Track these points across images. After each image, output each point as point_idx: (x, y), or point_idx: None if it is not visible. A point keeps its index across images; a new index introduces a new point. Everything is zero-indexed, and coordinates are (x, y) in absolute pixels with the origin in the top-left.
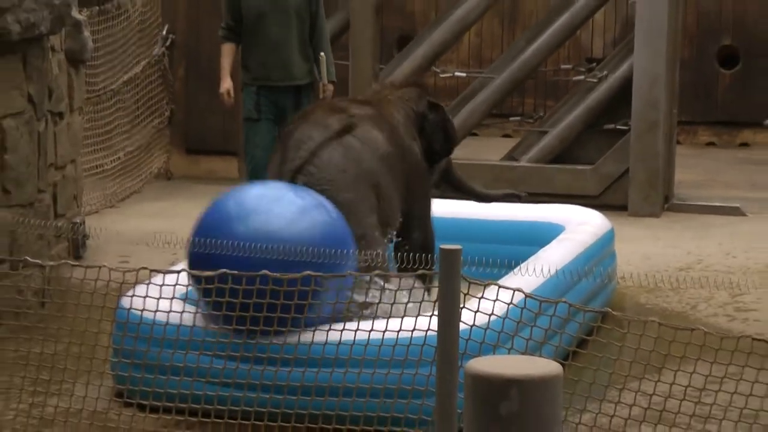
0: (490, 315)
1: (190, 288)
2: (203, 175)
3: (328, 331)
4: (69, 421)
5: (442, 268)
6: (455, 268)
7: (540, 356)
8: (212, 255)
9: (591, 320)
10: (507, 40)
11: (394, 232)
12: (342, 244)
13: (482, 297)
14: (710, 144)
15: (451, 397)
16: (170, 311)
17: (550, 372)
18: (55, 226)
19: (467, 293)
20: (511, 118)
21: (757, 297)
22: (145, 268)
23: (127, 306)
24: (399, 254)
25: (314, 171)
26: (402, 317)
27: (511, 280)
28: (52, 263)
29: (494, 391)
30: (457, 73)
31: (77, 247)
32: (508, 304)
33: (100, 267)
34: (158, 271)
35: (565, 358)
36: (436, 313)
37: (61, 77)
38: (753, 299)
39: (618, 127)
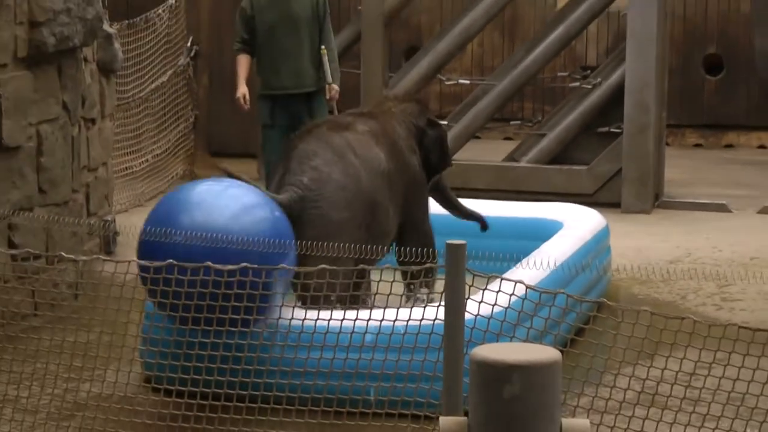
0: (493, 305)
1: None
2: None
3: (342, 319)
4: (100, 405)
5: (448, 262)
6: (461, 262)
7: (540, 344)
8: (161, 245)
9: (588, 310)
10: (507, 50)
11: (392, 243)
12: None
13: (486, 289)
14: (697, 145)
15: (457, 382)
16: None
17: (549, 358)
18: (87, 224)
19: (472, 285)
20: (512, 122)
21: (743, 288)
22: (171, 262)
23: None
24: (399, 257)
25: (314, 187)
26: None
27: (516, 273)
28: (84, 258)
29: (497, 375)
30: (461, 81)
31: (108, 243)
32: (510, 296)
33: (129, 261)
34: (182, 265)
35: (563, 345)
36: (443, 303)
37: (93, 86)
38: (738, 290)
39: (611, 129)
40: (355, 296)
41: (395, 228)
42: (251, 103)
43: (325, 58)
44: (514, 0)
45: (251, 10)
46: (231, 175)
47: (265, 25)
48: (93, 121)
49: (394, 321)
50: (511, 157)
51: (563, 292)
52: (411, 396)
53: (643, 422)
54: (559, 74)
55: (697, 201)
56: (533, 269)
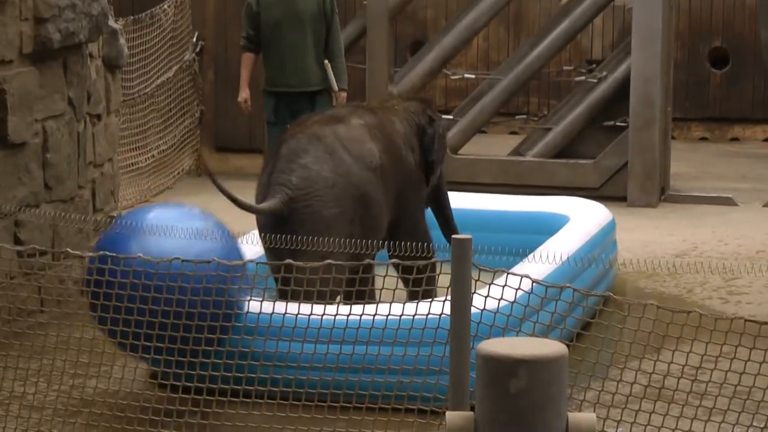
0: (499, 300)
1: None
2: (231, 171)
3: (349, 314)
4: (107, 401)
5: (454, 256)
6: (467, 256)
7: (547, 338)
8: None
9: (594, 304)
10: (512, 45)
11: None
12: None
13: (492, 283)
14: (703, 139)
15: (464, 376)
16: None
17: (555, 352)
18: (93, 220)
19: (478, 280)
20: (517, 117)
21: (749, 281)
22: (177, 258)
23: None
24: (390, 252)
25: (303, 186)
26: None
27: (523, 267)
28: (90, 254)
29: (504, 370)
30: (466, 75)
31: None
32: (517, 290)
33: (135, 257)
34: (190, 261)
35: (570, 339)
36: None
37: (98, 82)
38: (744, 283)
39: (617, 123)
40: (362, 291)
41: (386, 224)
42: (256, 99)
43: (330, 70)
44: None
45: (257, 7)
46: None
47: (270, 22)
48: (98, 117)
49: (401, 315)
50: (517, 151)
51: (570, 286)
52: (417, 391)
53: (650, 416)
54: (565, 68)
55: (703, 194)
56: (540, 263)
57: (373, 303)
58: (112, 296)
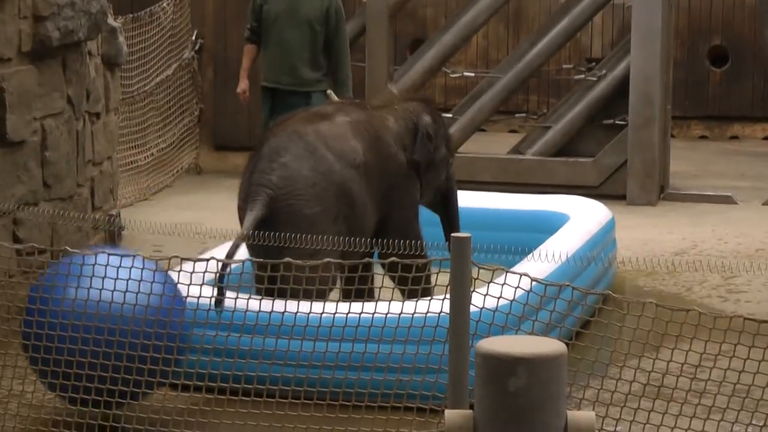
0: (498, 298)
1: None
2: (231, 169)
3: (348, 312)
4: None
5: (453, 255)
6: (466, 255)
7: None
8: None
9: (593, 303)
10: (512, 43)
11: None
12: (172, 315)
13: (491, 281)
14: (702, 137)
15: (463, 375)
16: (199, 296)
17: (555, 351)
18: (92, 219)
19: (477, 278)
20: (517, 115)
21: (748, 279)
22: (176, 257)
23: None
24: (380, 250)
25: (283, 185)
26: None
27: (523, 266)
28: (90, 253)
29: (503, 368)
30: (465, 73)
31: (113, 238)
32: (516, 288)
33: (134, 256)
34: (188, 259)
35: (569, 338)
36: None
37: (98, 80)
38: (744, 281)
39: (616, 122)
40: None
41: (373, 223)
42: (256, 93)
43: (331, 98)
44: None
45: None
46: None
47: (270, 16)
48: (97, 115)
49: (400, 313)
50: (517, 149)
51: (569, 285)
52: (416, 389)
53: (649, 414)
54: (564, 66)
55: (702, 193)
56: (540, 262)
57: (372, 301)
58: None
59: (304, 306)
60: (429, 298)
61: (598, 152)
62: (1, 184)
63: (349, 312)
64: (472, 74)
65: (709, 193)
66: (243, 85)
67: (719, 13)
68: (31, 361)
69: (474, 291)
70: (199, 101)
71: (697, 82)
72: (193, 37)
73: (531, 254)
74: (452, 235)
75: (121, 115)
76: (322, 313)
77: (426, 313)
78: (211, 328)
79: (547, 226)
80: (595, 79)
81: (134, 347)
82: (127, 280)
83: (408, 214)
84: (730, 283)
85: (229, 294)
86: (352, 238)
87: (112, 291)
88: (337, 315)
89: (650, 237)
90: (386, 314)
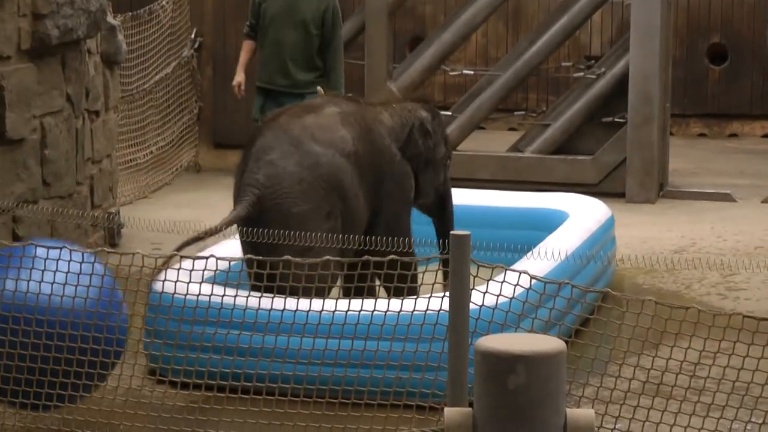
0: (498, 296)
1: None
2: (230, 167)
3: (347, 310)
4: (105, 397)
5: (453, 252)
6: (465, 252)
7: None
8: None
9: (592, 300)
10: (511, 41)
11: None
12: (111, 308)
13: (491, 279)
14: (701, 135)
15: (462, 372)
16: (199, 294)
17: (554, 348)
18: (92, 216)
19: (477, 276)
20: (516, 113)
21: (747, 277)
22: (175, 254)
23: (159, 289)
24: (362, 247)
25: (269, 183)
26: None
27: (523, 264)
28: (90, 250)
29: (502, 366)
30: (465, 71)
31: (113, 236)
32: (515, 286)
33: (133, 254)
34: (187, 257)
35: (568, 335)
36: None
37: (97, 78)
38: (743, 279)
39: (615, 119)
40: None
41: (366, 216)
42: (250, 90)
43: (320, 95)
44: None
45: None
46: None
47: (267, 16)
48: (97, 113)
49: (399, 311)
50: (516, 147)
51: (568, 282)
52: (416, 386)
53: (648, 412)
54: (563, 64)
55: (701, 190)
56: (539, 260)
57: (372, 298)
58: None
59: (304, 303)
60: (415, 297)
61: (597, 150)
62: (1, 182)
63: (348, 309)
64: (472, 72)
65: (708, 190)
66: (239, 77)
67: (718, 11)
68: None
69: (473, 289)
70: (198, 99)
71: (696, 80)
72: (192, 36)
73: (530, 252)
74: (451, 233)
75: (121, 113)
76: (322, 310)
77: (425, 311)
78: (210, 325)
79: (546, 223)
80: (594, 77)
81: (68, 343)
82: (62, 272)
83: (398, 208)
84: (729, 280)
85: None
86: (341, 235)
87: (50, 283)
88: (336, 312)
89: (649, 235)
90: (386, 312)
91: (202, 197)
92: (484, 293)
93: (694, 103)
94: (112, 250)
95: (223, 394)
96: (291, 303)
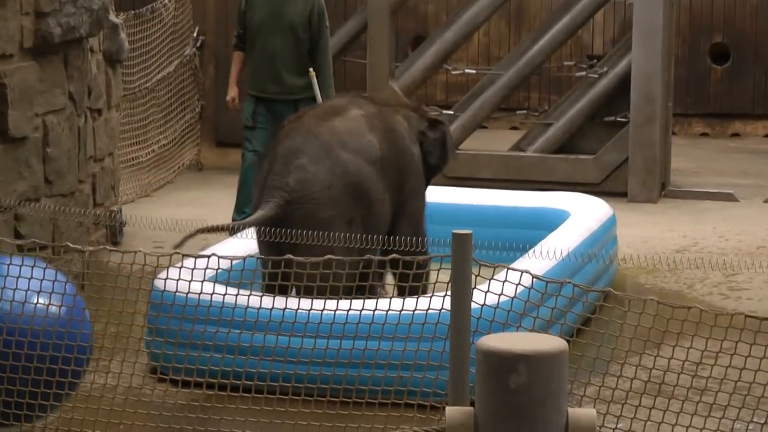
0: (499, 295)
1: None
2: (232, 166)
3: (349, 309)
4: (106, 396)
5: (454, 252)
6: (467, 252)
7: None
8: None
9: (594, 300)
10: (513, 40)
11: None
12: (76, 324)
13: (492, 279)
14: (704, 134)
15: (464, 372)
16: (200, 292)
17: (556, 348)
18: (94, 214)
19: (478, 275)
20: (518, 112)
21: (749, 277)
22: (177, 253)
23: (161, 288)
24: (383, 246)
25: (299, 188)
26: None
27: (523, 263)
28: (91, 249)
29: (504, 365)
30: (467, 71)
31: (115, 234)
32: (517, 285)
33: (135, 252)
34: (189, 256)
35: (570, 335)
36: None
37: (99, 76)
38: (745, 279)
39: (617, 119)
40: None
41: (390, 217)
42: (243, 101)
43: (314, 80)
44: None
45: (245, 5)
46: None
47: (253, 24)
48: (99, 111)
49: (401, 310)
50: (518, 146)
51: (570, 282)
52: (417, 386)
53: (650, 411)
54: (566, 63)
55: (703, 190)
56: (540, 259)
57: (374, 298)
58: None
59: (305, 303)
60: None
61: (599, 149)
62: (3, 180)
63: (350, 309)
64: (474, 71)
65: (710, 190)
66: (232, 92)
67: (720, 10)
68: None
69: (475, 288)
70: (200, 98)
71: (698, 79)
72: (195, 34)
73: (532, 251)
74: (453, 232)
75: (123, 112)
76: (323, 309)
77: (427, 310)
78: (211, 324)
79: (548, 223)
80: (596, 76)
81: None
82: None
83: (420, 206)
84: (731, 280)
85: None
86: (361, 236)
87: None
88: (337, 312)
89: (651, 234)
90: (387, 311)
91: (204, 195)
92: (486, 292)
93: (697, 102)
94: (114, 248)
95: (224, 393)
96: (292, 302)
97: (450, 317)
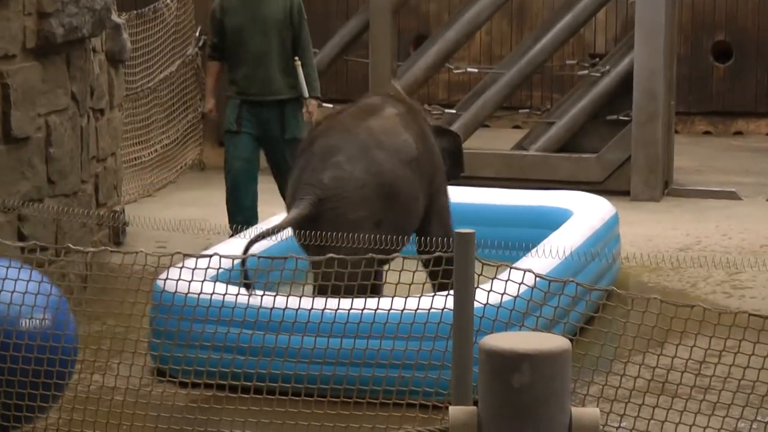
0: (502, 294)
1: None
2: None
3: (350, 308)
4: (106, 397)
5: (457, 251)
6: (470, 251)
7: (550, 333)
8: None
9: (597, 298)
10: (515, 38)
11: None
12: (62, 329)
13: (495, 278)
14: (706, 133)
15: (467, 371)
16: (201, 292)
17: (559, 347)
18: (96, 215)
19: (481, 274)
20: (520, 111)
21: (752, 275)
22: (179, 253)
23: (163, 288)
24: (420, 247)
25: (333, 186)
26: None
27: (526, 262)
28: (94, 249)
29: (507, 365)
30: (469, 69)
31: (117, 234)
32: (520, 284)
33: (137, 252)
34: (191, 256)
35: (573, 334)
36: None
37: (102, 76)
38: (748, 277)
39: (620, 117)
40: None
41: (421, 214)
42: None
43: (300, 70)
44: None
45: (219, 13)
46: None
47: (233, 28)
48: (101, 111)
49: (403, 309)
50: (520, 145)
51: (573, 281)
52: (420, 385)
53: (653, 410)
54: (568, 62)
55: (706, 188)
56: (543, 258)
57: (376, 297)
58: None
59: (307, 302)
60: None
61: (602, 148)
62: (6, 181)
63: (351, 308)
64: (476, 70)
65: (713, 188)
66: (209, 104)
67: (723, 8)
68: None
69: (478, 287)
70: (202, 98)
71: (700, 77)
72: (197, 34)
73: (535, 250)
74: (456, 231)
75: (125, 112)
76: (325, 308)
77: (429, 309)
78: (213, 324)
79: (550, 221)
80: (598, 74)
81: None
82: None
83: (447, 200)
84: (734, 278)
85: (230, 290)
86: (385, 237)
87: None
88: (339, 311)
89: (654, 233)
90: (389, 310)
91: (206, 195)
92: (489, 291)
93: (699, 100)
94: (117, 249)
95: (224, 394)
96: (293, 301)
97: (453, 316)
